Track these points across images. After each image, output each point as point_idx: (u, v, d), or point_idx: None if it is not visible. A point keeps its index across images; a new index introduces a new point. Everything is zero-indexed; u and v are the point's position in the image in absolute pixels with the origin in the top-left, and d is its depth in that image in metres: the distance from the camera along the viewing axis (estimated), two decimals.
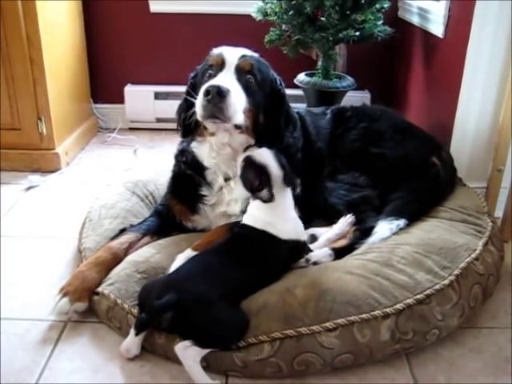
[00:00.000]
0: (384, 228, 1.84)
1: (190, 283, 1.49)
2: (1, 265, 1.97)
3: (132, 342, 1.51)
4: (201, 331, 1.43)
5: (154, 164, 2.55)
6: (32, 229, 2.26)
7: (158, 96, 3.46)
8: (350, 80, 3.00)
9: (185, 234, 1.94)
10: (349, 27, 2.62)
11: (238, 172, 1.69)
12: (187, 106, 1.80)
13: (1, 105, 2.72)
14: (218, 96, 1.61)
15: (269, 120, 1.82)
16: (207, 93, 1.62)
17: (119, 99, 3.48)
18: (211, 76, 1.74)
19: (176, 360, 1.46)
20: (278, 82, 1.89)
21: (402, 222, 1.88)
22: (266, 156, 1.66)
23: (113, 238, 1.87)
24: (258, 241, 1.62)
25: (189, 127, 1.83)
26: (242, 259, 1.58)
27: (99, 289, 1.69)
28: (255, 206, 1.68)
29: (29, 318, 1.71)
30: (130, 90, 3.47)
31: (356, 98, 3.13)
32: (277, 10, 2.69)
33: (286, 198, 1.68)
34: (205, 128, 1.80)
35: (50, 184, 2.72)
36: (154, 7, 3.35)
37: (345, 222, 1.88)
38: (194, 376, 1.41)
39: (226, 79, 1.70)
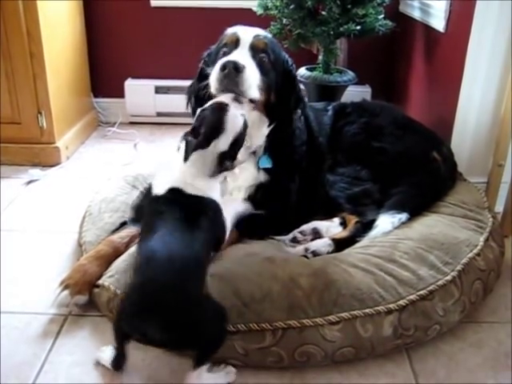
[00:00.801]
0: (385, 222, 1.84)
1: (170, 294, 1.28)
2: (1, 259, 1.97)
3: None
4: (195, 332, 1.32)
5: (154, 158, 2.55)
6: (32, 223, 2.26)
7: (158, 90, 3.45)
8: (350, 74, 3.00)
9: None
10: (350, 21, 2.61)
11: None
12: (199, 86, 1.81)
13: (1, 99, 2.72)
14: (235, 71, 1.63)
15: (280, 99, 1.84)
16: (223, 67, 1.64)
17: (119, 93, 3.47)
18: (226, 53, 1.76)
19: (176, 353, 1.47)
20: (290, 63, 1.91)
21: (403, 216, 1.88)
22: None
23: (113, 232, 1.87)
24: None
25: (200, 105, 1.82)
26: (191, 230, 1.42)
27: (99, 281, 1.69)
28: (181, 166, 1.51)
29: (29, 311, 1.71)
30: (130, 84, 3.47)
31: (357, 93, 3.13)
32: (278, 4, 2.69)
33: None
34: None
35: (50, 178, 2.72)
36: (155, 1, 3.34)
37: None
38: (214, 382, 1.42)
39: (241, 56, 1.72)
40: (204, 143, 1.47)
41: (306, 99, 2.14)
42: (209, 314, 1.33)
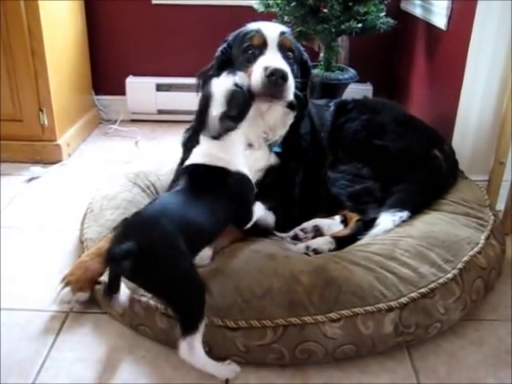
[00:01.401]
0: (387, 220, 1.84)
1: (151, 226, 1.40)
2: (2, 256, 1.98)
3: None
4: (165, 282, 1.37)
5: (155, 155, 2.55)
6: (33, 220, 2.27)
7: (159, 88, 3.45)
8: (352, 72, 2.99)
9: None
10: (351, 19, 2.61)
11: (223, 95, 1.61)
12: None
13: (2, 96, 2.72)
14: (282, 80, 1.68)
15: (299, 89, 1.86)
16: (271, 74, 1.67)
17: (121, 91, 3.47)
18: (255, 55, 1.77)
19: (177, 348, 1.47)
20: (305, 53, 1.94)
21: (404, 214, 1.88)
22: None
23: (115, 229, 1.87)
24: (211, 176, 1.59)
25: None
26: (200, 197, 1.53)
27: (101, 278, 1.69)
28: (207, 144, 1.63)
29: (30, 308, 1.71)
30: (131, 82, 3.46)
31: (358, 91, 3.13)
32: (279, 1, 2.68)
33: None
34: None
35: (51, 175, 2.72)
36: None
37: None
38: (211, 371, 1.42)
39: (278, 60, 1.75)
40: (200, 115, 1.61)
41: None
42: (183, 275, 1.39)
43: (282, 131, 1.89)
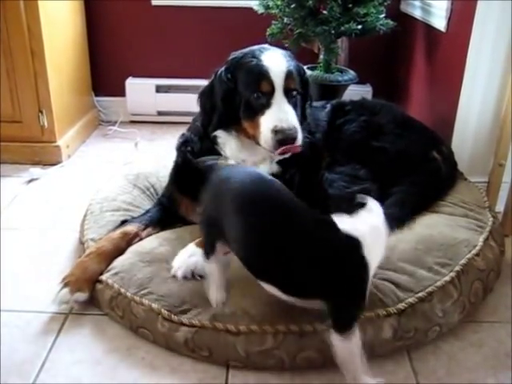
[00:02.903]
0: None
1: None
2: (2, 257, 1.98)
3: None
4: None
5: (155, 157, 2.55)
6: (33, 221, 2.27)
7: (159, 89, 3.44)
8: (351, 74, 2.99)
9: (189, 227, 1.92)
10: (351, 21, 2.61)
11: None
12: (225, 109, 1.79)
13: (2, 97, 2.72)
14: (292, 141, 1.69)
15: (301, 107, 1.86)
16: (282, 140, 1.68)
17: (120, 92, 3.47)
18: (262, 103, 1.73)
19: (176, 351, 1.47)
20: (303, 70, 1.90)
21: None
22: None
23: (115, 229, 1.87)
24: None
25: (226, 120, 1.81)
26: None
27: (103, 278, 1.69)
28: None
29: (30, 309, 1.71)
30: (131, 83, 3.47)
31: (358, 92, 3.12)
32: (278, 3, 2.68)
33: None
34: (245, 129, 1.80)
35: (51, 177, 2.72)
36: (156, 0, 3.33)
37: None
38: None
39: (287, 115, 1.72)
40: None
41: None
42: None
43: None
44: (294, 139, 1.69)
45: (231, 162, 1.75)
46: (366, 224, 1.30)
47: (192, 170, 1.89)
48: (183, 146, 1.95)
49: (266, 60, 1.75)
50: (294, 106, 1.77)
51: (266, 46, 1.86)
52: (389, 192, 1.96)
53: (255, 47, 1.83)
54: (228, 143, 1.84)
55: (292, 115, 1.73)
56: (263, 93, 1.73)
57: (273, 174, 1.86)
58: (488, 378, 1.49)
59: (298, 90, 1.80)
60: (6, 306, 1.72)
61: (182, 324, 1.51)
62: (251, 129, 1.77)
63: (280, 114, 1.71)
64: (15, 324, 1.65)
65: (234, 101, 1.77)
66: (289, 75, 1.76)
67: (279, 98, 1.73)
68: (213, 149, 1.84)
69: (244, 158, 1.84)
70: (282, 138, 1.68)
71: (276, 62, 1.76)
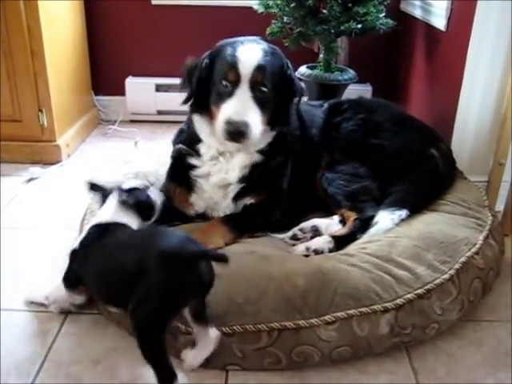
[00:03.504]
0: (386, 218, 1.84)
1: None
2: (1, 256, 1.98)
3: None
4: None
5: (154, 156, 2.54)
6: (33, 220, 2.27)
7: (159, 88, 3.45)
8: (351, 73, 2.99)
9: (184, 225, 1.93)
10: (351, 20, 2.60)
11: None
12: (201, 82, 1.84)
13: (2, 97, 2.72)
14: (241, 136, 1.72)
15: (280, 104, 1.87)
16: (231, 133, 1.72)
17: (120, 91, 3.47)
18: (227, 91, 1.76)
19: (176, 353, 1.47)
20: (286, 66, 1.89)
21: (403, 213, 1.87)
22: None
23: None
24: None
25: (200, 104, 1.88)
26: None
27: None
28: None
29: (29, 309, 1.71)
30: (131, 82, 3.47)
31: (357, 91, 3.12)
32: (278, 2, 2.68)
33: None
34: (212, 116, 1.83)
35: (50, 176, 2.72)
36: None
37: None
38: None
39: (244, 101, 1.75)
40: None
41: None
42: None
43: (260, 146, 1.90)
44: (241, 133, 1.71)
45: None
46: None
47: (183, 159, 1.95)
48: (177, 138, 2.03)
49: (240, 51, 1.78)
50: (261, 102, 1.77)
51: (256, 38, 1.89)
52: (388, 190, 1.96)
53: (245, 38, 1.86)
54: (203, 129, 1.90)
55: (248, 109, 1.74)
56: (230, 82, 1.76)
57: (255, 163, 1.89)
58: (488, 376, 1.49)
59: (268, 87, 1.79)
60: (6, 305, 1.72)
61: (181, 332, 1.50)
62: (214, 115, 1.81)
63: (237, 106, 1.74)
64: (15, 323, 1.65)
65: (207, 86, 1.81)
66: (258, 69, 1.76)
67: (243, 90, 1.75)
68: (195, 134, 1.91)
69: (219, 145, 1.88)
70: (230, 129, 1.71)
71: (249, 54, 1.78)
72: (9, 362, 1.50)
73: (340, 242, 1.81)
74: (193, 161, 1.94)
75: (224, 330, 1.47)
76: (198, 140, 1.92)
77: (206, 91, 1.83)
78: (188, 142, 1.95)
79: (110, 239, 1.51)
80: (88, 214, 2.03)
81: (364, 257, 1.66)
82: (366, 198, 1.94)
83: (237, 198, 1.92)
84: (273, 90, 1.81)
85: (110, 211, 1.61)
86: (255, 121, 1.75)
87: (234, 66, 1.76)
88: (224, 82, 1.77)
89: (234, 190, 1.91)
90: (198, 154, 1.93)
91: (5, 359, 1.51)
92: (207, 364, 1.47)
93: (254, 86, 1.76)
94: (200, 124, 1.91)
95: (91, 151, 3.09)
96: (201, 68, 1.83)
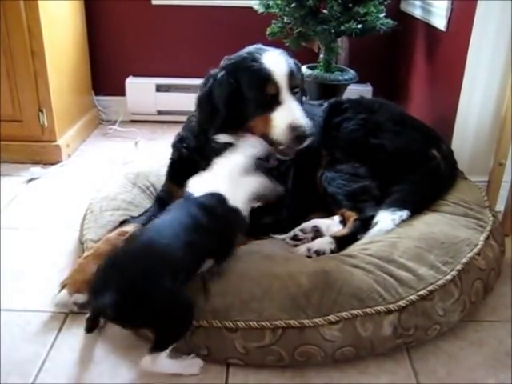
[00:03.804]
0: (386, 219, 1.83)
1: (133, 267, 1.38)
2: (2, 256, 1.98)
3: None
4: (149, 320, 1.38)
5: (155, 156, 2.54)
6: (33, 221, 2.27)
7: (159, 88, 3.45)
8: (351, 73, 2.99)
9: None
10: (351, 20, 2.61)
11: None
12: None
13: (2, 97, 2.72)
14: (306, 138, 1.74)
15: None
16: (299, 137, 1.72)
17: (120, 91, 3.47)
18: (270, 101, 1.75)
19: (176, 351, 1.47)
20: (300, 67, 1.92)
21: (404, 214, 1.87)
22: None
23: (113, 230, 1.87)
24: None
25: (228, 123, 1.81)
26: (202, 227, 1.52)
27: None
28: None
29: (30, 309, 1.71)
30: (131, 83, 3.47)
31: (358, 92, 3.12)
32: (279, 2, 2.68)
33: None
34: (252, 128, 1.80)
35: (51, 176, 2.72)
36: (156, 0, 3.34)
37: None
38: (178, 371, 1.45)
39: (298, 111, 1.76)
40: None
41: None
42: (169, 302, 1.37)
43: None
44: (307, 136, 1.73)
45: None
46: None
47: (186, 164, 1.91)
48: (179, 143, 1.99)
49: (267, 62, 1.76)
50: (299, 103, 1.80)
51: (261, 46, 1.86)
52: (389, 190, 1.96)
53: (251, 49, 1.83)
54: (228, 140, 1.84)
55: (301, 112, 1.77)
56: (270, 95, 1.75)
57: (270, 168, 1.88)
58: (488, 377, 1.49)
59: (300, 87, 1.84)
60: (6, 306, 1.72)
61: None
62: (260, 127, 1.78)
63: (293, 111, 1.75)
64: (15, 323, 1.65)
65: (237, 103, 1.77)
66: (291, 74, 1.78)
67: (286, 97, 1.76)
68: (207, 146, 1.86)
69: None
70: (299, 134, 1.72)
71: (277, 63, 1.78)
72: (9, 362, 1.50)
73: (341, 243, 1.81)
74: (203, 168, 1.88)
75: (227, 324, 1.47)
76: (212, 152, 1.84)
77: (233, 109, 1.78)
78: (197, 152, 1.91)
79: None
80: (88, 213, 2.04)
81: (366, 258, 1.66)
82: (366, 198, 1.94)
83: None
84: (300, 90, 1.85)
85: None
86: (308, 121, 1.77)
87: (269, 78, 1.74)
88: (265, 95, 1.75)
89: None
90: (208, 165, 1.88)
91: (5, 359, 1.50)
92: (208, 356, 1.47)
93: (291, 89, 1.78)
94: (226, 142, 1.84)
95: (91, 151, 3.09)
96: (226, 88, 1.77)
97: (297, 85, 1.81)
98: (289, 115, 1.74)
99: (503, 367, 1.52)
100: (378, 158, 2.02)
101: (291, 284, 1.53)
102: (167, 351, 1.40)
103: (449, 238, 1.75)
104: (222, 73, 1.79)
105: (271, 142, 1.77)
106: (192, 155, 1.92)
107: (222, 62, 1.86)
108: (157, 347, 1.38)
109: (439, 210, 1.94)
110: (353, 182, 1.97)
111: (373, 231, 1.82)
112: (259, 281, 1.55)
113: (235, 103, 1.77)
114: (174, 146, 2.01)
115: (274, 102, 1.75)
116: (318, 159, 2.07)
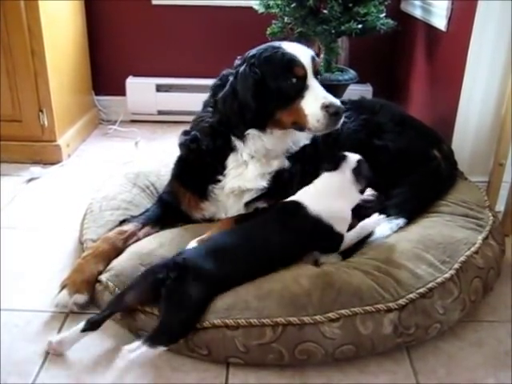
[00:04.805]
0: (384, 227, 1.83)
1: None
2: (2, 256, 1.98)
3: (71, 337, 1.51)
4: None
5: (155, 156, 2.55)
6: (33, 220, 2.27)
7: (159, 88, 3.45)
8: (352, 73, 2.99)
9: (190, 225, 1.93)
10: (351, 20, 2.61)
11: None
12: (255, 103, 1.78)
13: (2, 96, 2.72)
14: (341, 115, 1.77)
15: None
16: (336, 113, 1.73)
17: (121, 91, 3.47)
18: (297, 87, 1.76)
19: (177, 351, 1.47)
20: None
21: (401, 221, 1.87)
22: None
23: (112, 229, 1.87)
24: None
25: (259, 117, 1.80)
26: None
27: (103, 279, 1.69)
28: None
29: (30, 309, 1.71)
30: (131, 82, 3.47)
31: (358, 92, 3.12)
32: (279, 2, 2.68)
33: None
34: (281, 120, 1.80)
35: (51, 176, 2.72)
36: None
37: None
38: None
39: (321, 88, 1.79)
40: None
41: None
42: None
43: (303, 142, 1.93)
44: (343, 111, 1.76)
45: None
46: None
47: (197, 164, 1.90)
48: (191, 143, 1.92)
49: (290, 49, 1.80)
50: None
51: (274, 42, 1.87)
52: (390, 192, 1.96)
53: (267, 44, 1.85)
54: (256, 140, 1.83)
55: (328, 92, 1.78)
56: (298, 77, 1.76)
57: (283, 169, 1.89)
58: (488, 377, 1.49)
59: (321, 73, 1.87)
60: (6, 305, 1.72)
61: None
62: (291, 116, 1.78)
63: (322, 93, 1.77)
64: (15, 323, 1.65)
65: (263, 96, 1.76)
66: (314, 58, 1.81)
67: (312, 80, 1.78)
68: (225, 147, 1.86)
69: (262, 155, 1.86)
70: (335, 110, 1.73)
71: (299, 48, 1.82)
72: (9, 362, 1.50)
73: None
74: (218, 174, 1.89)
75: (228, 322, 1.48)
76: (229, 152, 1.88)
77: (260, 102, 1.76)
78: (214, 153, 1.89)
79: None
80: (88, 213, 2.04)
81: (364, 261, 1.67)
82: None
83: (249, 202, 1.90)
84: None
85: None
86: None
87: (296, 61, 1.76)
88: (290, 81, 1.76)
89: (250, 196, 1.88)
90: (222, 167, 1.89)
91: (5, 359, 1.50)
92: (209, 355, 1.48)
93: (315, 74, 1.80)
94: (257, 137, 1.83)
95: (92, 151, 3.09)
96: (251, 80, 1.76)
97: (319, 70, 1.84)
98: (319, 96, 1.75)
99: (503, 367, 1.52)
100: (380, 159, 2.01)
101: (292, 285, 1.54)
102: (155, 350, 1.41)
103: (446, 238, 1.76)
104: (243, 67, 1.79)
105: (302, 128, 1.78)
106: (204, 156, 1.89)
107: (237, 61, 1.86)
108: (152, 338, 1.41)
109: (439, 211, 1.94)
110: None
111: (371, 239, 1.81)
112: (260, 284, 1.56)
113: (261, 96, 1.76)
114: (184, 144, 1.95)
115: (300, 87, 1.76)
116: (319, 159, 2.07)
